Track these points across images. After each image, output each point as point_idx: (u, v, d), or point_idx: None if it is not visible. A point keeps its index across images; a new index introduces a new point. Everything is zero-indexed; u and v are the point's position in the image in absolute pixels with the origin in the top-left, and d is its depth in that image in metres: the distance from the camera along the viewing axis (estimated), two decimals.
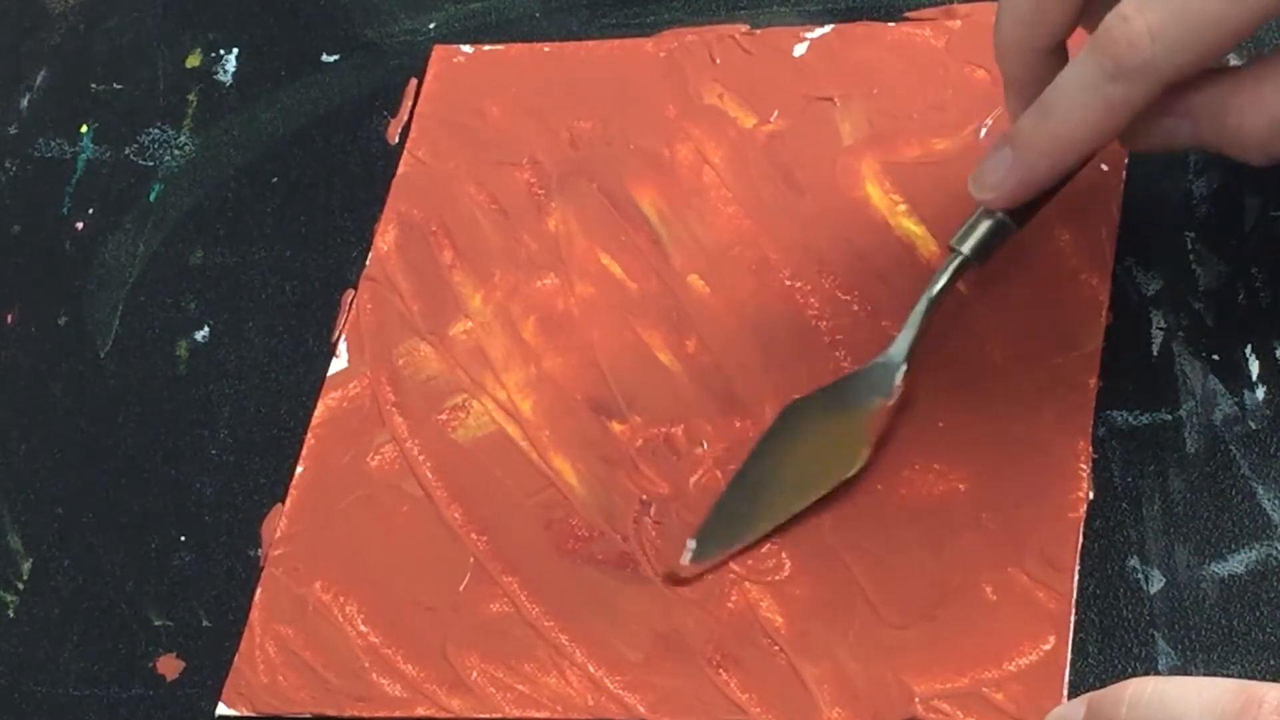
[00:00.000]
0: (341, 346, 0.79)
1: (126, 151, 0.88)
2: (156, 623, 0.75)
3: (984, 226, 0.71)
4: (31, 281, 0.86)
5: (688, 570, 0.71)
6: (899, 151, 0.77)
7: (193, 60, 0.90)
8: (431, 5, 0.88)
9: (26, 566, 0.78)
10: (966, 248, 0.71)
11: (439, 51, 0.86)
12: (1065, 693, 0.65)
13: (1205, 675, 0.64)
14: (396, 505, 0.75)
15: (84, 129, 0.89)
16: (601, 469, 0.74)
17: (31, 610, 0.77)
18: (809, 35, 0.82)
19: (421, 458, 0.76)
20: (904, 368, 0.71)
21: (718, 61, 0.82)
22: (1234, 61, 0.72)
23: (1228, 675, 0.64)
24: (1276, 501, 0.67)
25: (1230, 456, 0.68)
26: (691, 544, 0.71)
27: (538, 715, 0.69)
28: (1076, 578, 0.67)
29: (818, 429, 0.72)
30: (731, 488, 0.72)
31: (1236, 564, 0.66)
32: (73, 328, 0.84)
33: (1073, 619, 0.67)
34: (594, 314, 0.77)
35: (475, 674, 0.70)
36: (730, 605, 0.70)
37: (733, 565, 0.70)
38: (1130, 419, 0.70)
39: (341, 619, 0.73)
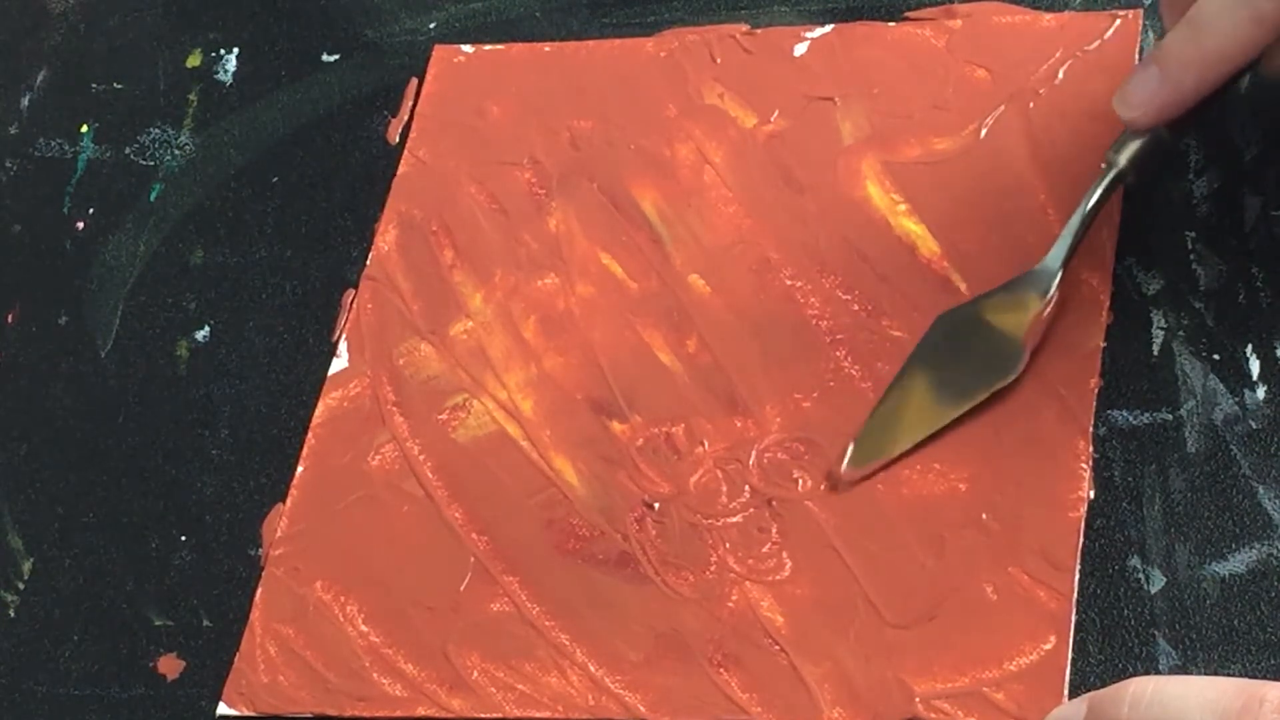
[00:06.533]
0: (342, 346, 0.79)
1: (126, 151, 0.88)
2: (157, 623, 0.75)
3: (1139, 140, 0.71)
4: (31, 281, 0.86)
5: (848, 475, 0.71)
6: (899, 151, 0.77)
7: (193, 60, 0.90)
8: (432, 5, 0.88)
9: (26, 566, 0.78)
10: (1122, 160, 0.71)
11: (439, 51, 0.86)
12: (1066, 692, 0.65)
13: (1206, 674, 0.64)
14: (397, 505, 0.75)
15: (84, 129, 0.89)
16: (602, 469, 0.74)
17: (31, 610, 0.77)
18: (809, 35, 0.82)
19: (422, 457, 0.76)
20: (1060, 274, 0.71)
21: (718, 61, 0.82)
22: None
23: (1229, 674, 0.64)
24: (1277, 501, 0.67)
25: (1231, 456, 0.68)
26: (850, 449, 0.71)
27: (538, 715, 0.69)
28: (1077, 577, 0.67)
29: (974, 336, 0.72)
30: (887, 396, 0.72)
31: (1237, 563, 0.66)
32: (73, 328, 0.84)
33: (1073, 619, 0.67)
34: (594, 314, 0.77)
35: (476, 674, 0.71)
36: (730, 605, 0.70)
37: (733, 565, 0.70)
38: (1131, 419, 0.70)
39: (342, 618, 0.73)
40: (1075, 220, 0.71)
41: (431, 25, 0.87)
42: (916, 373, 0.72)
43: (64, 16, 0.94)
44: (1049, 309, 0.71)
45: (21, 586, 0.78)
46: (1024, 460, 0.70)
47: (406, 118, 0.85)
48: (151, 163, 0.88)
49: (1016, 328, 0.71)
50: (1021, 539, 0.68)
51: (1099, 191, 0.71)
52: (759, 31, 0.82)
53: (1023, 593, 0.67)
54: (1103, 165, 0.71)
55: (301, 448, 0.77)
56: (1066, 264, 0.71)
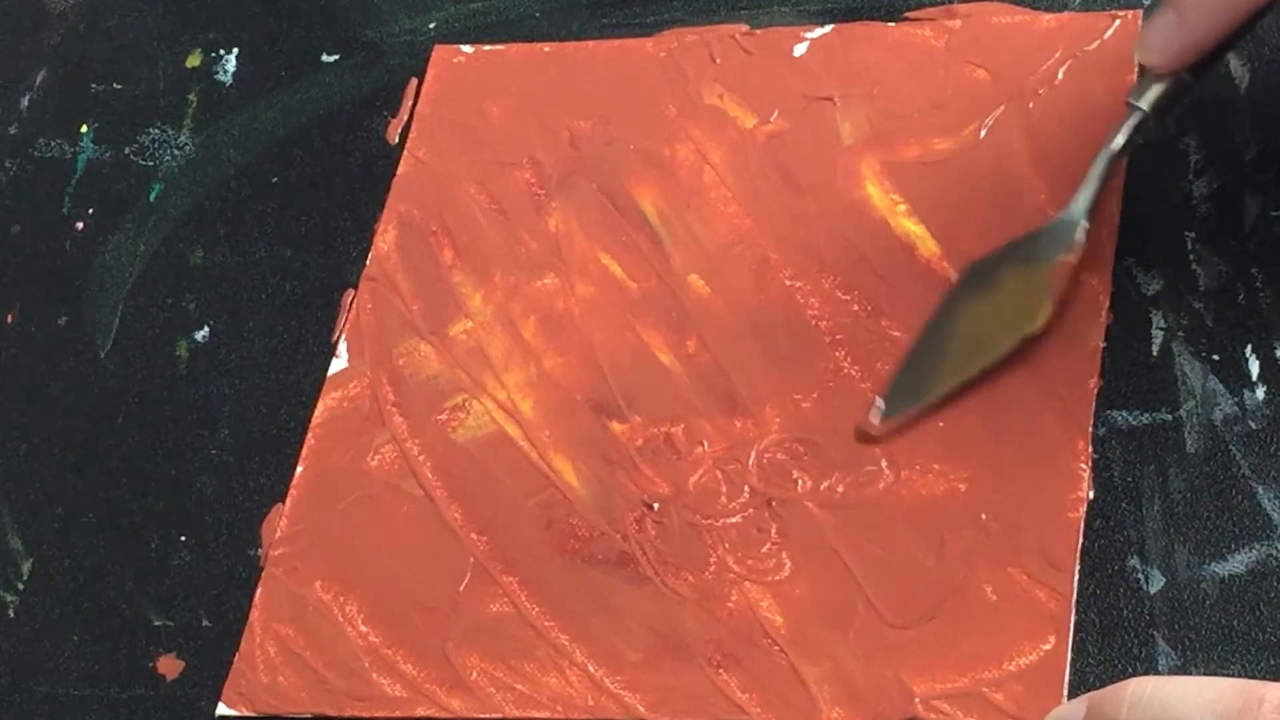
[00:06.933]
0: (342, 346, 0.79)
1: (126, 151, 0.88)
2: (156, 623, 0.75)
3: (1161, 84, 0.70)
4: (31, 281, 0.86)
5: (878, 429, 0.71)
6: (899, 151, 0.77)
7: (193, 60, 0.90)
8: (431, 5, 0.88)
9: (26, 566, 0.78)
10: (1145, 103, 0.70)
11: (439, 51, 0.86)
12: (1065, 693, 0.65)
13: (1205, 675, 0.64)
14: (396, 505, 0.75)
15: (84, 129, 0.89)
16: (602, 469, 0.74)
17: (31, 610, 0.77)
18: (809, 35, 0.82)
19: (421, 458, 0.76)
20: (1084, 224, 0.70)
21: (718, 61, 0.82)
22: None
23: (1228, 675, 0.64)
24: (1276, 501, 0.67)
25: (1230, 456, 0.68)
26: (880, 403, 0.71)
27: (538, 715, 0.69)
28: (1076, 578, 0.67)
29: (1000, 286, 0.71)
30: (917, 345, 0.72)
31: (1236, 564, 0.66)
32: (73, 328, 0.84)
33: (1073, 619, 0.67)
34: (594, 314, 0.77)
35: (475, 674, 0.71)
36: (730, 605, 0.70)
37: (732, 565, 0.70)
38: (1130, 419, 0.70)
39: (341, 619, 0.73)
40: (1099, 165, 0.71)
41: (431, 25, 0.88)
42: (943, 324, 0.72)
43: (64, 16, 0.94)
44: (1075, 258, 0.71)
45: (21, 586, 0.78)
46: (1024, 460, 0.70)
47: (406, 118, 0.85)
48: (151, 163, 0.88)
49: (1042, 277, 0.71)
50: (1021, 539, 0.68)
51: (1122, 136, 0.71)
52: (759, 31, 0.82)
53: (1023, 593, 0.67)
54: (1126, 109, 0.71)
55: (301, 448, 0.77)
56: (1092, 211, 0.71)
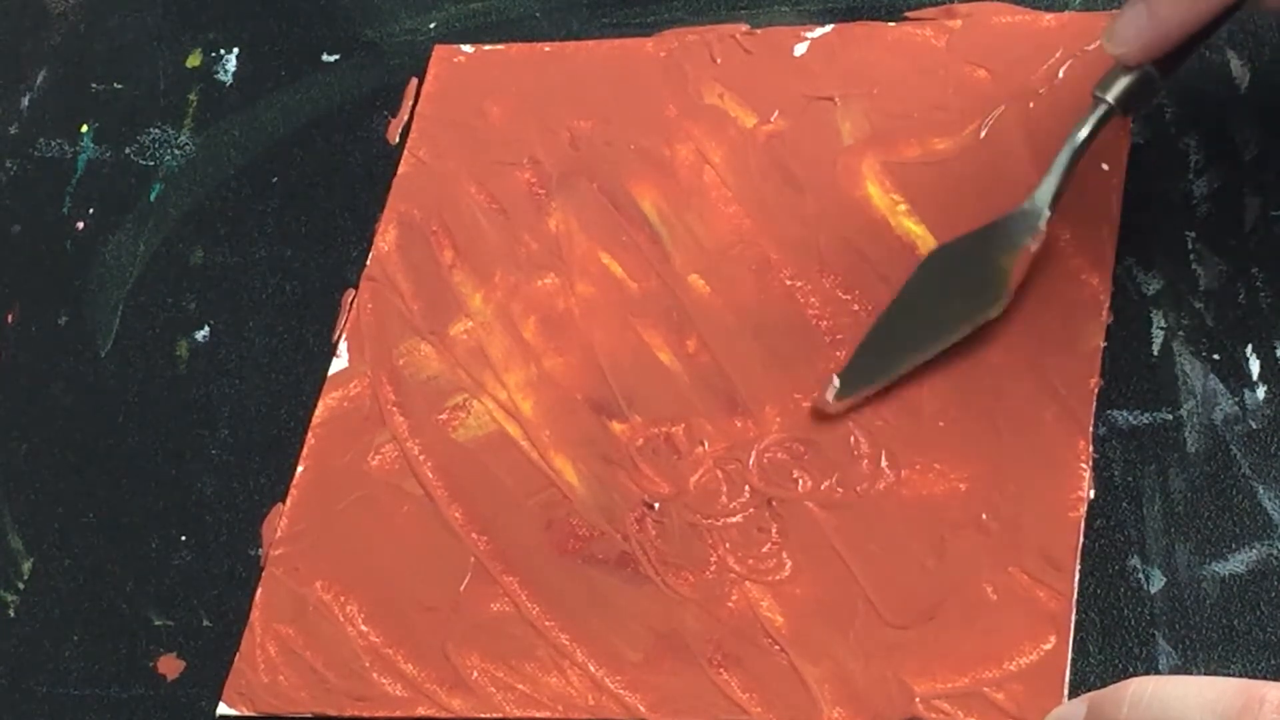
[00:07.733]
0: (342, 346, 0.79)
1: (126, 151, 0.88)
2: (156, 623, 0.75)
3: (1128, 76, 0.71)
4: (31, 281, 0.86)
5: (833, 407, 0.71)
6: (899, 151, 0.77)
7: (193, 60, 0.90)
8: (431, 5, 0.88)
9: (26, 566, 0.78)
10: (1111, 96, 0.71)
11: (439, 51, 0.86)
12: (1066, 692, 0.65)
13: (1206, 675, 0.64)
14: (397, 505, 0.75)
15: (84, 129, 0.89)
16: (602, 469, 0.74)
17: (31, 610, 0.77)
18: (809, 35, 0.82)
19: (422, 457, 0.76)
20: (1047, 213, 0.71)
21: (718, 61, 0.82)
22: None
23: (1228, 675, 0.64)
24: (1277, 501, 0.67)
25: (1231, 456, 0.68)
26: (835, 381, 0.71)
27: (538, 715, 0.69)
28: (1077, 577, 0.67)
29: (961, 272, 0.72)
30: (876, 327, 0.72)
31: (1237, 563, 0.66)
32: (73, 328, 0.84)
33: (1073, 619, 0.67)
34: (594, 314, 0.77)
35: (476, 674, 0.71)
36: (730, 605, 0.70)
37: (733, 565, 0.70)
38: (1130, 419, 0.70)
39: (342, 619, 0.73)
40: (1063, 156, 0.71)
41: (431, 25, 0.88)
42: (904, 307, 0.73)
43: (64, 16, 0.94)
44: (1036, 246, 0.71)
45: (21, 586, 0.78)
46: (1024, 460, 0.70)
47: (406, 118, 0.85)
48: (151, 163, 0.88)
49: (1003, 265, 0.71)
50: (1021, 539, 0.68)
51: (1087, 128, 0.71)
52: (759, 31, 0.82)
53: (1023, 593, 0.67)
54: (1092, 101, 0.71)
55: (301, 448, 0.77)
56: (1056, 201, 0.71)
